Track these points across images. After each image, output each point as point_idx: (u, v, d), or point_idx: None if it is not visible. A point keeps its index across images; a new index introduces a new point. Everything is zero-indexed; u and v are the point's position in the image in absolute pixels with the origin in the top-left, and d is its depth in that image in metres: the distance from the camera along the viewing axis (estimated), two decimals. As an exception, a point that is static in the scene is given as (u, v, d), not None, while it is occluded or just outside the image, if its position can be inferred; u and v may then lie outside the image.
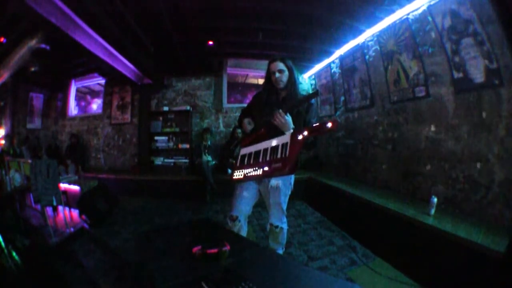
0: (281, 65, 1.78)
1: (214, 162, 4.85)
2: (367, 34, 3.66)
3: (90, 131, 6.28)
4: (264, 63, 1.90)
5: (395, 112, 3.32)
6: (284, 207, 1.89)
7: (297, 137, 1.43)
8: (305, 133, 1.40)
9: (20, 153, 5.46)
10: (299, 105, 1.72)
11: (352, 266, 2.28)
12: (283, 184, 1.83)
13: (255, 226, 3.20)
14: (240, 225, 1.87)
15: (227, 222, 1.91)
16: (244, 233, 1.91)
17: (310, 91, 5.66)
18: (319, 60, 5.02)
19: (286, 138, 1.51)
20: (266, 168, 1.48)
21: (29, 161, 3.05)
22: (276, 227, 1.90)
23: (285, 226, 1.94)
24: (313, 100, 1.79)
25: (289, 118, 1.61)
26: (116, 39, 3.54)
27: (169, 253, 1.23)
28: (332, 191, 3.67)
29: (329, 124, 1.29)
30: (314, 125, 1.43)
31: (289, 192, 1.91)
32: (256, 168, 1.54)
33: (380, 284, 2.00)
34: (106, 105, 6.23)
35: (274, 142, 1.58)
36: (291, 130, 1.60)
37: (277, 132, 1.64)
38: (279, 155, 1.47)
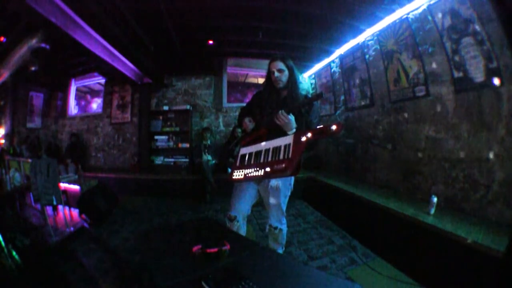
0: (281, 65, 1.77)
1: (214, 162, 4.85)
2: (367, 34, 3.66)
3: (90, 130, 6.28)
4: (264, 62, 1.89)
5: (395, 112, 3.32)
6: (284, 208, 1.88)
7: (300, 138, 1.41)
8: (309, 135, 1.38)
9: (20, 152, 5.47)
10: (302, 106, 1.71)
11: (352, 266, 2.28)
12: (283, 185, 1.82)
13: (255, 225, 3.20)
14: (238, 225, 1.86)
15: (225, 222, 1.91)
16: (243, 233, 1.90)
17: (310, 91, 5.67)
18: (319, 60, 5.02)
19: (288, 139, 1.49)
20: (268, 169, 1.46)
21: (29, 160, 3.04)
22: (275, 228, 1.89)
23: (284, 228, 1.93)
24: None
25: (292, 118, 1.60)
26: (116, 38, 3.54)
27: (169, 253, 1.23)
28: (332, 190, 3.67)
29: (334, 127, 1.27)
30: (318, 127, 1.40)
31: (289, 193, 1.90)
32: (257, 169, 1.52)
33: (380, 283, 2.00)
34: (106, 104, 6.23)
35: (276, 143, 1.56)
36: (293, 131, 1.59)
37: (278, 132, 1.63)
38: (281, 156, 1.45)
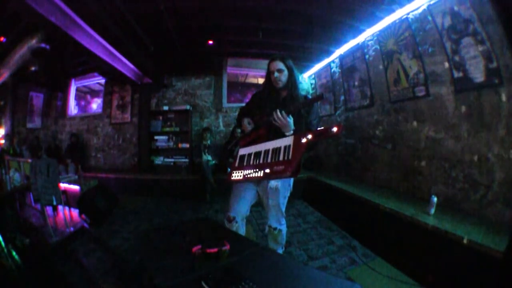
0: (280, 65, 1.76)
1: (214, 162, 4.85)
2: (367, 34, 3.66)
3: (90, 130, 6.28)
4: (264, 62, 1.89)
5: (395, 112, 3.32)
6: (283, 209, 1.87)
7: (301, 140, 1.40)
8: (309, 136, 1.37)
9: (20, 153, 5.47)
10: (302, 107, 1.71)
11: (352, 266, 2.28)
12: (282, 186, 1.81)
13: (255, 226, 3.20)
14: (237, 226, 1.85)
15: (224, 223, 1.90)
16: (242, 233, 1.88)
17: (310, 91, 5.67)
18: (319, 60, 5.02)
19: (288, 140, 1.48)
20: (267, 170, 1.45)
21: (29, 160, 3.05)
22: (275, 229, 1.89)
23: (283, 228, 1.92)
24: None
25: (290, 119, 1.60)
26: (116, 38, 3.54)
27: (169, 253, 1.23)
28: (332, 190, 3.67)
29: (334, 129, 1.26)
30: (319, 128, 1.39)
31: (288, 194, 1.89)
32: (257, 170, 1.52)
33: (380, 283, 2.00)
34: (106, 104, 6.23)
35: (276, 144, 1.55)
36: (292, 132, 1.59)
37: (277, 132, 1.62)
38: (281, 157, 1.44)
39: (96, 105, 7.12)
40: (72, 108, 6.69)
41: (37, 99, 6.63)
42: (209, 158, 4.90)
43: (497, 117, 2.16)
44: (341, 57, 4.48)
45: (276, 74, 1.76)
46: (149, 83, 5.62)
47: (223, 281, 0.94)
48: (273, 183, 1.80)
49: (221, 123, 5.90)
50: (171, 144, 5.64)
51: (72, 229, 2.86)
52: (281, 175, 1.39)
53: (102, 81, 6.34)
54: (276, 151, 1.51)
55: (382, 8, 3.07)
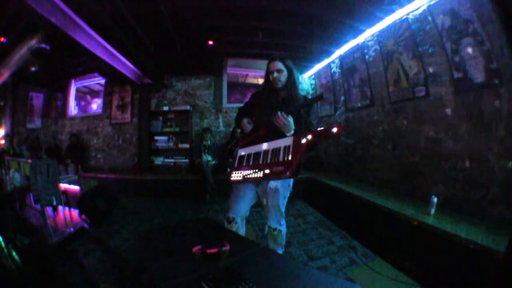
0: (280, 65, 1.76)
1: (214, 162, 4.85)
2: (367, 34, 3.67)
3: (90, 130, 6.28)
4: (264, 62, 1.89)
5: (395, 112, 3.32)
6: (283, 209, 1.87)
7: (300, 140, 1.39)
8: (309, 137, 1.36)
9: (20, 153, 5.47)
10: (302, 108, 1.70)
11: (352, 266, 2.28)
12: (282, 187, 1.81)
13: (255, 226, 3.20)
14: (237, 226, 1.85)
15: (224, 224, 1.90)
16: (242, 234, 1.89)
17: (310, 91, 5.67)
18: (319, 60, 5.03)
19: (288, 140, 1.48)
20: (267, 171, 1.44)
21: (29, 160, 3.04)
22: (275, 229, 1.89)
23: (283, 229, 1.92)
24: None
25: (291, 119, 1.60)
26: (116, 39, 3.54)
27: (169, 253, 1.23)
28: (332, 190, 3.67)
29: (334, 129, 1.25)
30: (319, 129, 1.39)
31: (288, 195, 1.89)
32: (256, 170, 1.51)
33: (380, 283, 2.00)
34: (106, 105, 6.23)
35: (275, 144, 1.55)
36: (292, 132, 1.59)
37: (278, 133, 1.62)
38: (281, 158, 1.44)
39: (96, 105, 7.11)
40: (72, 108, 6.69)
41: (37, 99, 6.63)
42: (209, 158, 4.90)
43: (497, 118, 2.16)
44: (341, 58, 4.48)
45: (275, 74, 1.76)
46: (149, 83, 5.63)
47: (223, 281, 0.94)
48: (272, 183, 1.80)
49: (221, 124, 5.90)
50: (171, 144, 5.64)
51: (72, 229, 2.85)
52: (280, 175, 1.39)
53: (102, 81, 6.34)
54: (276, 151, 1.51)
55: (382, 8, 3.07)
